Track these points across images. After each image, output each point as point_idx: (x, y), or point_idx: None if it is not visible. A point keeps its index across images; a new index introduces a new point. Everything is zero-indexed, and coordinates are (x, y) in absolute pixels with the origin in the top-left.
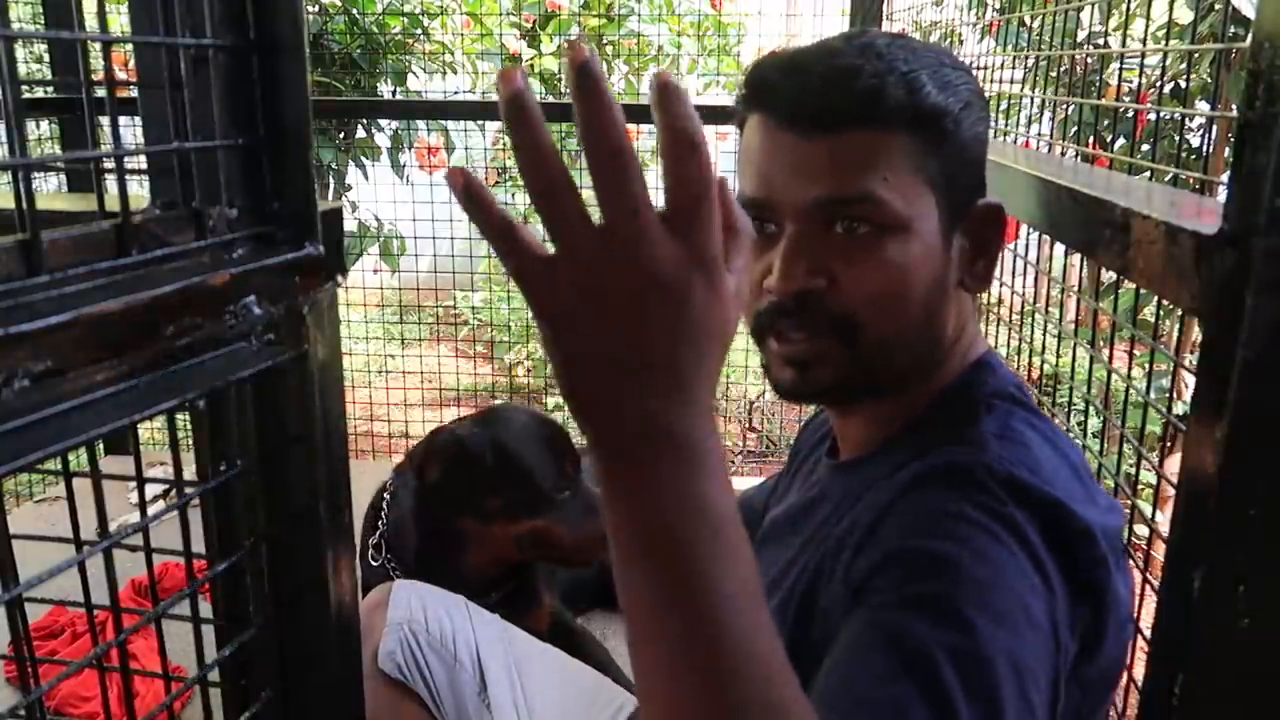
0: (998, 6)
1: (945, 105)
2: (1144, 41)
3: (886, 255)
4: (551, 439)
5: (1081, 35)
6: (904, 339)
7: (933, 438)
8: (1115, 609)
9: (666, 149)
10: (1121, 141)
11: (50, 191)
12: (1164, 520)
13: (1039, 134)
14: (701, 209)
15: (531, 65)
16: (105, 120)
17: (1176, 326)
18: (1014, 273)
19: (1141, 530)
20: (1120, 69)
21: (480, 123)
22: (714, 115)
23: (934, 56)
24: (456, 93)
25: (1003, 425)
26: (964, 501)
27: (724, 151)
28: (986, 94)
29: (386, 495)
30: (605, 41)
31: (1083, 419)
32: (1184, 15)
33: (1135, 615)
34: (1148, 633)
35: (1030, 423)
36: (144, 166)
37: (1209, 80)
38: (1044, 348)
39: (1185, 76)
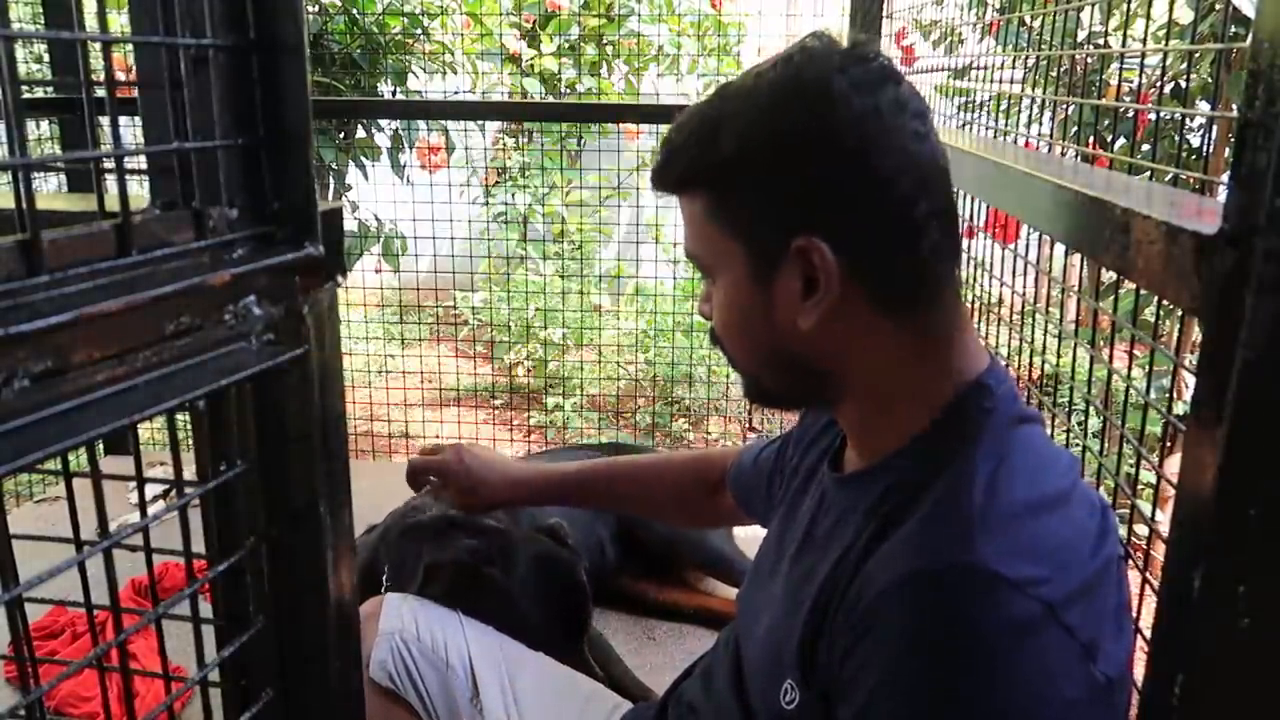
0: (998, 6)
1: (736, 154)
2: (1144, 41)
3: (716, 298)
4: (563, 597)
5: (1081, 35)
6: (755, 366)
7: (927, 468)
8: (1114, 646)
9: None
10: (1121, 141)
11: (50, 191)
12: (1164, 520)
13: (1039, 134)
14: None
15: (531, 65)
16: (105, 120)
17: (1176, 326)
18: (1014, 273)
19: (1141, 530)
20: (1120, 69)
21: (480, 123)
22: None
23: (761, 96)
24: (456, 93)
25: (993, 474)
26: (942, 620)
27: None
28: (952, 100)
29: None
30: (605, 41)
31: (1083, 419)
32: (1184, 15)
33: (1135, 615)
34: (1148, 633)
35: (1021, 465)
36: (144, 166)
37: (1209, 80)
38: (1044, 348)
39: (1185, 76)
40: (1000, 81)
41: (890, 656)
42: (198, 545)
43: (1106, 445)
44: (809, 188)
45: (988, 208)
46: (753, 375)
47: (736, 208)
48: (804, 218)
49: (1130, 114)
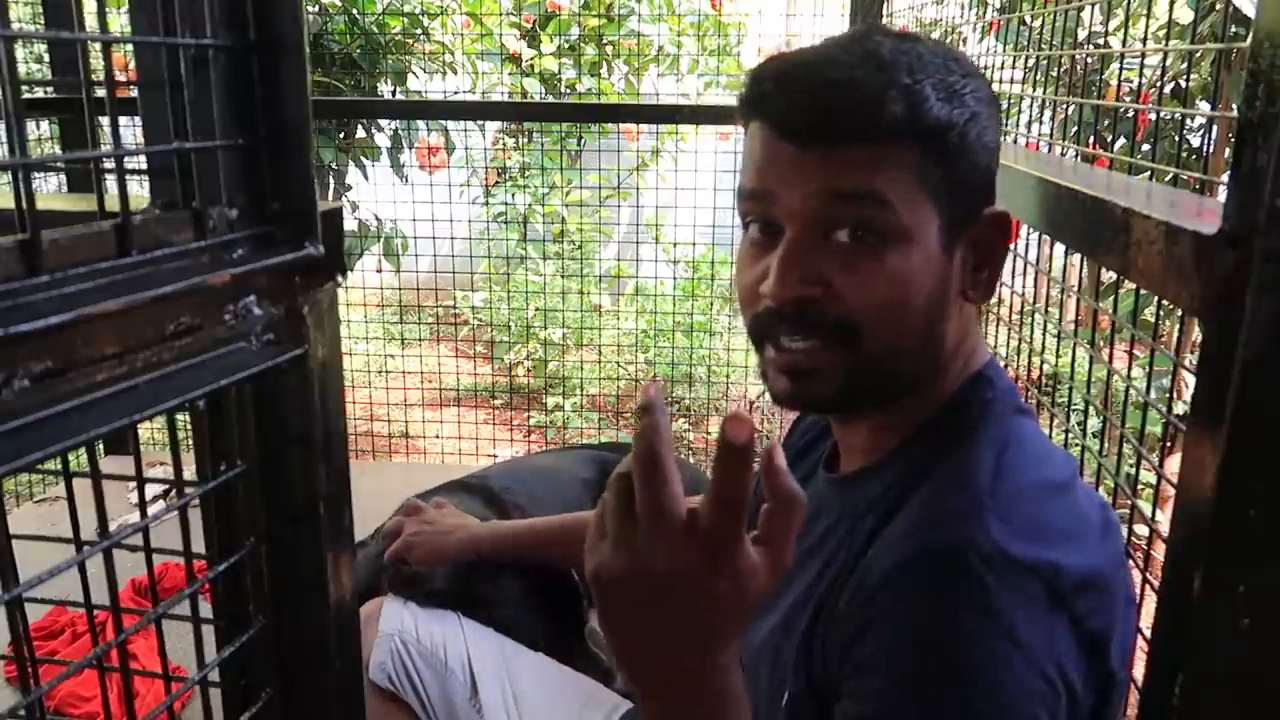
0: (998, 6)
1: (949, 119)
2: (1144, 41)
3: (887, 264)
4: (556, 595)
5: (1081, 35)
6: (904, 349)
7: (929, 458)
8: (1120, 640)
9: (720, 468)
10: (1121, 141)
11: (50, 191)
12: (1164, 520)
13: (1039, 134)
14: (736, 531)
15: (532, 65)
16: (105, 120)
17: (1177, 326)
18: (1014, 273)
19: (1141, 530)
20: (1120, 69)
21: (480, 123)
22: (714, 115)
23: (941, 63)
24: (456, 93)
25: (997, 459)
26: (949, 599)
27: (723, 152)
28: None
29: None
30: (605, 41)
31: (1083, 419)
32: (1184, 15)
33: (1136, 615)
34: (1148, 633)
35: (1024, 453)
36: (144, 166)
37: (1209, 80)
38: (1044, 348)
39: (1185, 76)
40: (1000, 81)
41: (896, 641)
42: (198, 545)
43: (1106, 445)
44: (993, 158)
45: None
46: (889, 362)
47: (946, 171)
48: (990, 186)
49: (1130, 114)
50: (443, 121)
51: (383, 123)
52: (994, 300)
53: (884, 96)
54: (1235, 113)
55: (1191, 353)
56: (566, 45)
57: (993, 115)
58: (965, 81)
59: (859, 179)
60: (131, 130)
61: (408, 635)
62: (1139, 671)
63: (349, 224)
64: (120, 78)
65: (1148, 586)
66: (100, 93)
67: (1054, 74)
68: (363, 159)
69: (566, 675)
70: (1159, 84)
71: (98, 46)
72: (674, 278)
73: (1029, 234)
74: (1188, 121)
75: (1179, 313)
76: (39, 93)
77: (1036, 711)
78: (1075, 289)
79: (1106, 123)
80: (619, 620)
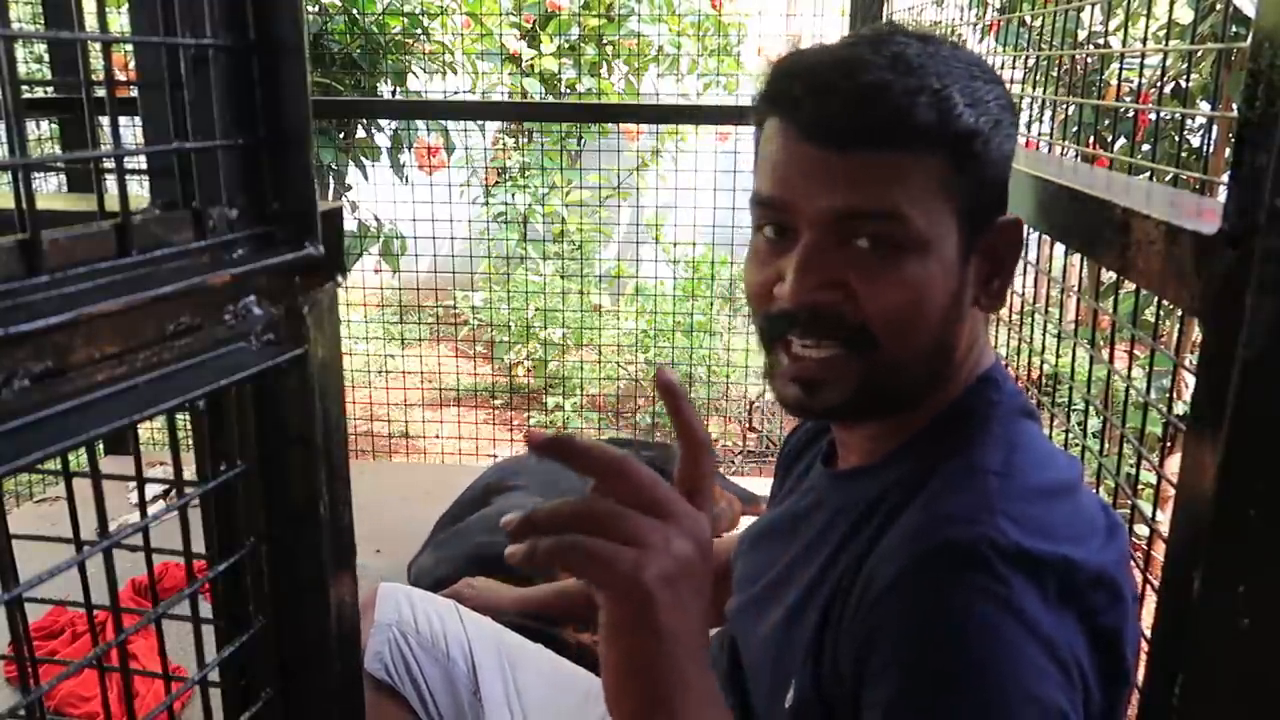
0: (998, 6)
1: (976, 126)
2: (1144, 41)
3: (905, 274)
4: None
5: (1082, 35)
6: (917, 358)
7: (934, 459)
8: (1130, 639)
9: (684, 450)
10: (1121, 141)
11: (50, 191)
12: (1164, 520)
13: (1039, 134)
14: (706, 500)
15: (532, 65)
16: (105, 120)
17: (1176, 326)
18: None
19: (1142, 530)
20: (1120, 69)
21: (480, 123)
22: (714, 115)
23: (965, 68)
24: (456, 93)
25: (1005, 459)
26: (968, 593)
27: (723, 152)
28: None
29: None
30: (605, 41)
31: (1083, 419)
32: (1184, 15)
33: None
34: (1148, 633)
35: (1031, 454)
36: (144, 166)
37: (1209, 80)
38: (1044, 348)
39: (1185, 76)
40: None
41: (914, 639)
42: (198, 545)
43: (1106, 445)
44: (1010, 165)
45: None
46: (901, 371)
47: (969, 179)
48: (1004, 194)
49: (1130, 114)
50: (443, 121)
51: (383, 123)
52: None
53: (914, 102)
54: (1235, 113)
55: (1191, 353)
56: (566, 45)
57: (1012, 123)
58: (989, 88)
59: (881, 196)
60: (131, 130)
61: (406, 625)
62: (1139, 671)
63: (349, 224)
64: (120, 78)
65: (1148, 586)
66: (100, 93)
67: (1054, 74)
68: (363, 159)
69: (566, 668)
70: (1159, 84)
71: (98, 46)
72: (674, 278)
73: (1029, 234)
74: (1188, 121)
75: (1179, 313)
76: (39, 93)
77: (1060, 702)
78: (1075, 289)
79: (1106, 123)
80: (688, 610)
